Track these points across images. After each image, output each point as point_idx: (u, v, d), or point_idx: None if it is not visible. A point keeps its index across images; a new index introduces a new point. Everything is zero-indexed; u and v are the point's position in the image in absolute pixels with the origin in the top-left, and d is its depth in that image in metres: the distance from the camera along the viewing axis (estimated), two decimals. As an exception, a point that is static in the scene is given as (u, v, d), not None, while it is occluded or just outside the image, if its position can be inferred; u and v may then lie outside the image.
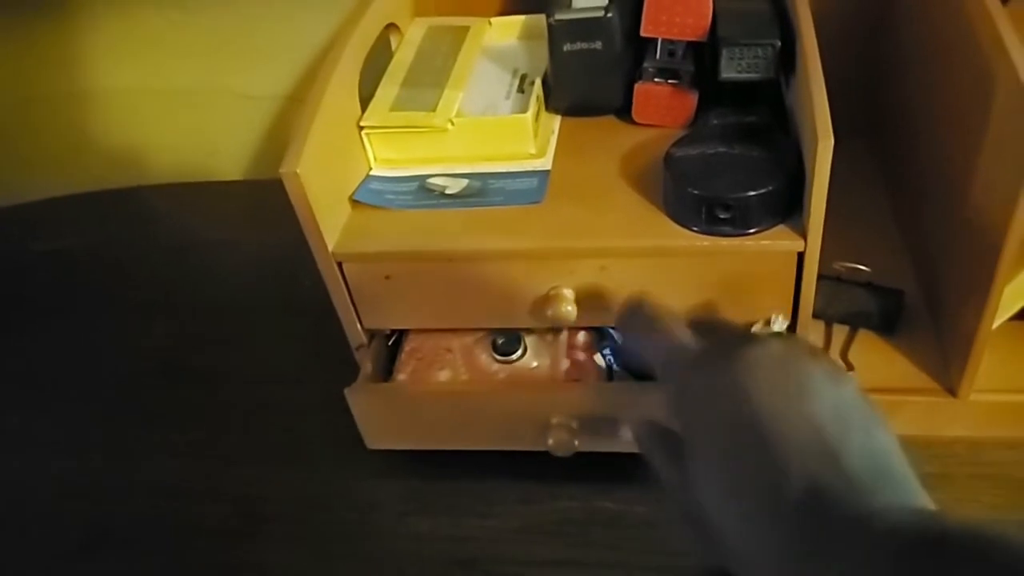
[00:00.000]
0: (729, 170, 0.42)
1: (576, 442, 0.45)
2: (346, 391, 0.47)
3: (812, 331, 0.50)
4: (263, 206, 0.78)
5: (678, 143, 0.45)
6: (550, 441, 0.45)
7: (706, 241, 0.42)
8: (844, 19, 0.59)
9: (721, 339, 0.34)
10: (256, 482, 0.53)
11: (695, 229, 0.42)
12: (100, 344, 0.66)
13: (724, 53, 0.44)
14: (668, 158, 0.44)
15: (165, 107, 0.81)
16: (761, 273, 0.42)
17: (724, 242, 0.41)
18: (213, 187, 0.84)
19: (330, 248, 0.45)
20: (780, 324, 0.43)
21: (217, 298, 0.69)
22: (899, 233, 0.57)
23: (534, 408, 0.46)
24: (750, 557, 0.29)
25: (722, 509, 0.30)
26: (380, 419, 0.49)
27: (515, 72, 0.54)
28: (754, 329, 0.43)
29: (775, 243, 0.41)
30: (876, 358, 0.50)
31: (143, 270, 0.74)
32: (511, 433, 0.47)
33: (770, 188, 0.40)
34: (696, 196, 0.41)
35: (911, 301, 0.52)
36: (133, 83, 0.80)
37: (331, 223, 0.45)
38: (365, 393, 0.48)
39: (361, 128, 0.49)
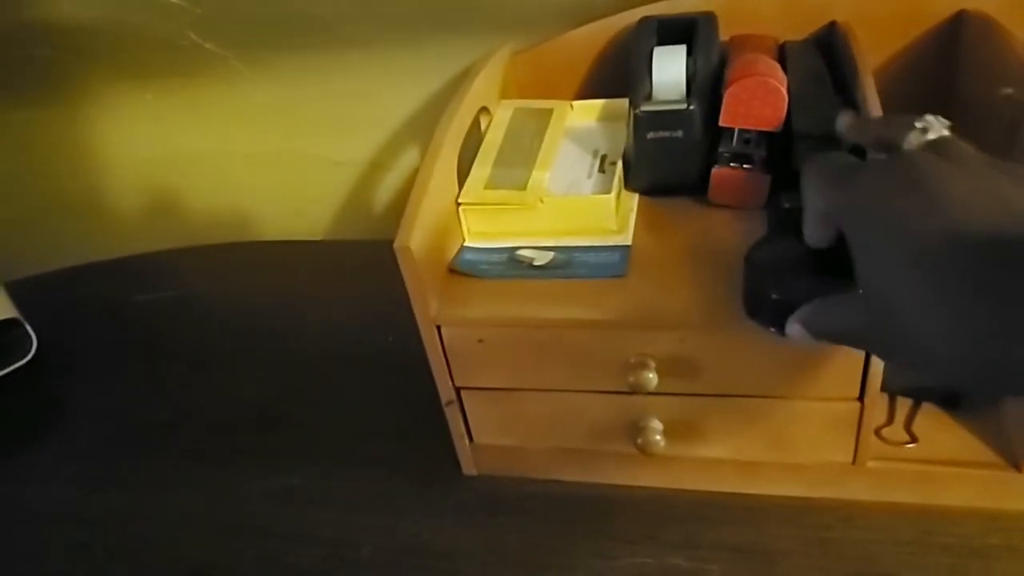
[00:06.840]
0: (799, 271, 0.41)
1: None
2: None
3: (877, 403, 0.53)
4: (345, 264, 0.84)
5: (757, 245, 0.45)
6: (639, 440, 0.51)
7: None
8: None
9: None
10: (346, 526, 0.57)
11: (772, 331, 0.42)
12: (199, 390, 0.71)
13: (799, 146, 0.48)
14: (748, 260, 0.44)
15: (260, 171, 0.88)
16: (832, 352, 0.45)
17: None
18: (300, 245, 0.90)
19: (431, 313, 0.49)
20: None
21: (305, 350, 0.74)
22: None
23: (625, 413, 0.52)
24: (935, 328, 0.29)
25: (902, 284, 0.30)
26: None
27: (595, 152, 0.59)
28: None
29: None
30: (939, 431, 0.52)
31: (236, 320, 0.80)
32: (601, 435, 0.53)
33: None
34: (774, 300, 0.41)
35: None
36: (237, 148, 0.87)
37: (432, 290, 0.50)
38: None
39: (459, 204, 0.54)
